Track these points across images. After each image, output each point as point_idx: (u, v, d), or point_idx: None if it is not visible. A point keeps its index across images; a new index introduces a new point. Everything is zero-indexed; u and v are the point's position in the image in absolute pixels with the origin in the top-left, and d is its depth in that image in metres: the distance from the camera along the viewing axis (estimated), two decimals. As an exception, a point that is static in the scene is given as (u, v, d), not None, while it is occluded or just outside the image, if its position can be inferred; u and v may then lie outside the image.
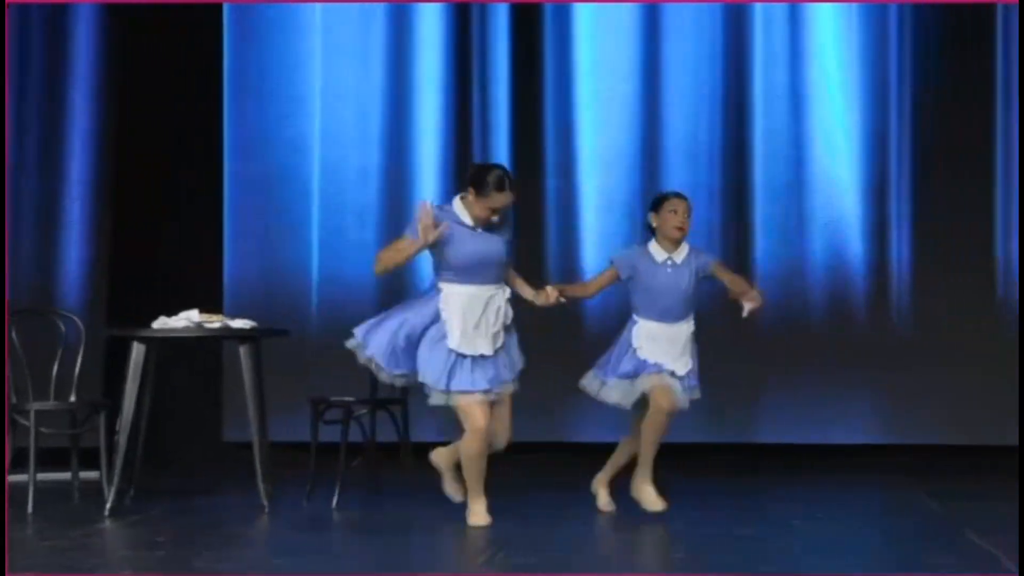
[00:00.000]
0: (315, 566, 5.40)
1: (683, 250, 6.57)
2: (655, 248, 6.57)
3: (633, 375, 6.50)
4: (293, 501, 6.93)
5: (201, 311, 6.80)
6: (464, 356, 6.19)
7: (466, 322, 6.19)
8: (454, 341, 6.19)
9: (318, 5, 9.15)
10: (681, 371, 6.51)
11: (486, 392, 6.20)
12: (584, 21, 9.23)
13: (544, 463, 8.47)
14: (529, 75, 9.25)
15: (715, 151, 9.25)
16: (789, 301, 9.08)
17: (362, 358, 6.27)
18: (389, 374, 6.27)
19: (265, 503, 6.71)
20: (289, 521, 6.57)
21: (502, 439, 6.31)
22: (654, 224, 6.56)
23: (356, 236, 9.14)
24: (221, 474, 8.12)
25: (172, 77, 8.94)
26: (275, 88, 9.24)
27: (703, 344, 6.72)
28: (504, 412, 6.31)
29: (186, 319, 6.73)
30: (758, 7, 9.19)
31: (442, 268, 6.29)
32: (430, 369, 6.20)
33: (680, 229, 6.51)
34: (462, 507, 6.36)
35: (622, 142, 9.25)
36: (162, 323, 6.74)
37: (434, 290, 6.31)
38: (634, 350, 6.51)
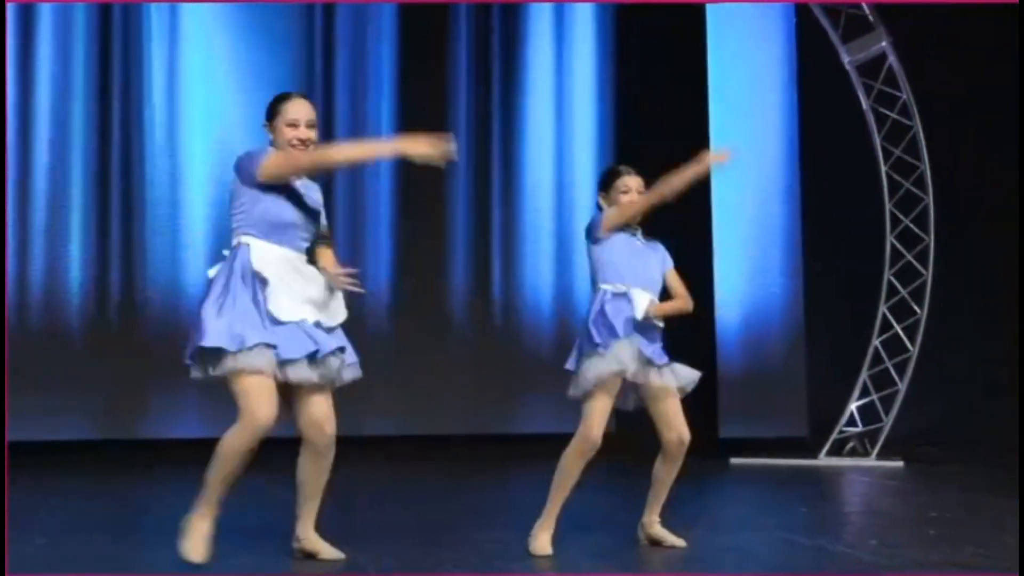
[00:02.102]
0: None
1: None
2: None
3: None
4: None
5: None
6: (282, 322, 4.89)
7: (283, 283, 4.93)
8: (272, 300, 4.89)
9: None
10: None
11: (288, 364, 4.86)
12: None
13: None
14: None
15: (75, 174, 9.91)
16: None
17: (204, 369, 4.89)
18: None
19: None
20: None
21: (327, 429, 5.03)
22: (604, 204, 5.54)
23: None
24: None
25: None
26: None
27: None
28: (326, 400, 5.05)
29: None
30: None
31: (247, 222, 5.01)
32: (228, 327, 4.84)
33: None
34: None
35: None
36: None
37: (236, 249, 5.01)
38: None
